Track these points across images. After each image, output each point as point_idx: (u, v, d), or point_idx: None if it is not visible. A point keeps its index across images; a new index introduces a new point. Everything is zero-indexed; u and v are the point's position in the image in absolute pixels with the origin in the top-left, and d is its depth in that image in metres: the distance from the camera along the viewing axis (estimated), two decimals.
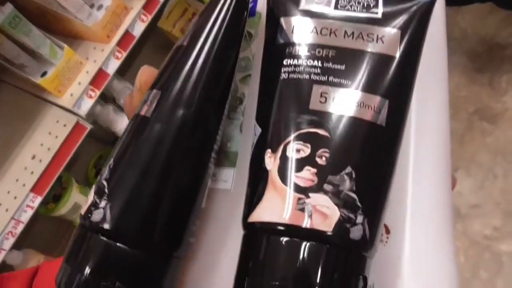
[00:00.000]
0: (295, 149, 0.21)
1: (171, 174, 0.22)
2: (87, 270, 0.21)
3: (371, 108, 0.22)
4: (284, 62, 0.23)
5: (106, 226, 0.21)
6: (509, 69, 1.48)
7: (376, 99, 0.22)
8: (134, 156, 0.22)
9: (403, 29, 0.23)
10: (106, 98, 1.12)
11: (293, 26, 0.24)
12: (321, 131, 0.21)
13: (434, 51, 0.26)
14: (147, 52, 1.20)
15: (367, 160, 0.21)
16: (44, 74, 0.89)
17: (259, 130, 0.23)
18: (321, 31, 0.23)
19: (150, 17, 0.99)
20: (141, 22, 0.98)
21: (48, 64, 0.89)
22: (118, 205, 0.21)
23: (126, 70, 1.17)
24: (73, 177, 1.06)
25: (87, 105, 0.92)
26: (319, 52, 0.23)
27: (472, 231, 1.28)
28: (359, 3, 0.24)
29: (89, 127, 0.93)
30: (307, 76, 0.22)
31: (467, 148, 1.39)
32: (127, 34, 0.96)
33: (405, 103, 0.23)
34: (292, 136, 0.21)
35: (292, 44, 0.23)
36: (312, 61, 0.23)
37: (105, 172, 0.22)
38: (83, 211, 0.22)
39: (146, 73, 0.25)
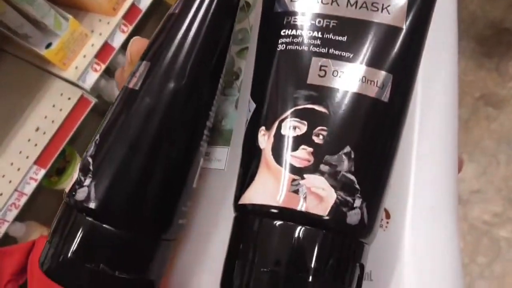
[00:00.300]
0: (291, 126, 0.20)
1: (161, 151, 0.21)
2: (71, 251, 0.20)
3: (374, 84, 0.20)
4: (282, 33, 0.21)
5: (91, 205, 0.20)
6: None
7: (380, 74, 0.20)
8: (121, 132, 0.20)
9: None
10: (111, 72, 1.10)
11: None
12: (319, 108, 0.20)
13: (444, 24, 0.24)
14: (153, 26, 1.18)
15: (368, 140, 0.20)
16: (48, 45, 0.88)
17: (253, 105, 0.22)
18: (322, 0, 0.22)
19: None
20: None
21: (52, 35, 0.88)
22: (103, 184, 0.20)
23: None
24: (77, 151, 1.05)
25: (92, 78, 0.91)
26: (319, 22, 0.21)
27: (472, 216, 1.29)
28: None
29: (93, 101, 0.92)
30: (306, 48, 0.21)
31: (471, 133, 1.39)
32: (133, 7, 0.94)
33: (411, 79, 0.22)
34: (288, 112, 0.20)
35: (291, 13, 0.22)
36: (311, 32, 0.21)
37: (91, 148, 0.21)
38: (67, 188, 0.21)
39: (137, 44, 0.24)
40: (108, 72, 1.07)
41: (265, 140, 0.20)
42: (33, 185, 0.86)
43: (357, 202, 0.19)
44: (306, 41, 0.21)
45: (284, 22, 0.22)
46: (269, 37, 0.22)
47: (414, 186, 0.23)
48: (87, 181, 0.20)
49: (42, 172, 0.87)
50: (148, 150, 0.20)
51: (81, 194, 0.20)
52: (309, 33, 0.21)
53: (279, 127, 0.20)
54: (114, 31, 0.92)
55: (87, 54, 0.90)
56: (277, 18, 0.22)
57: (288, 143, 0.20)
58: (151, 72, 0.21)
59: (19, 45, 0.88)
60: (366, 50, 0.21)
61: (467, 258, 1.26)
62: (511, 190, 1.30)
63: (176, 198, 0.21)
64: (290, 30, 0.21)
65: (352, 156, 0.19)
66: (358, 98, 0.20)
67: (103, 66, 0.92)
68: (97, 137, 0.21)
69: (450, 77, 0.25)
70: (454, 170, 0.24)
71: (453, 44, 0.25)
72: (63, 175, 1.01)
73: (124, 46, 0.98)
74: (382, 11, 0.21)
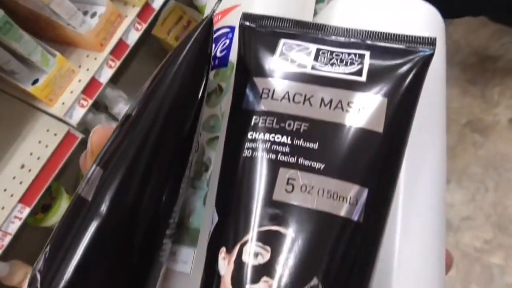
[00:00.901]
0: (252, 252, 0.17)
1: (114, 267, 0.19)
2: None
3: (347, 201, 0.18)
4: (248, 135, 0.19)
5: None
6: (501, 81, 1.49)
7: (354, 189, 0.18)
8: (72, 246, 0.18)
9: (390, 96, 0.19)
10: (98, 105, 1.10)
11: (262, 89, 0.20)
12: (284, 230, 0.17)
13: (432, 103, 0.22)
14: (140, 60, 1.19)
15: (339, 268, 0.17)
16: (35, 81, 0.87)
17: (216, 218, 0.19)
18: (294, 97, 0.19)
19: (144, 26, 0.98)
20: (136, 31, 0.97)
21: (39, 72, 0.88)
22: None
23: (119, 78, 1.15)
24: (63, 186, 1.04)
25: (78, 114, 0.90)
26: (289, 125, 0.19)
27: (463, 243, 1.28)
28: (341, 60, 0.20)
29: (80, 136, 0.91)
30: (273, 156, 0.18)
31: (459, 160, 1.40)
32: (121, 43, 0.94)
33: (389, 192, 0.19)
34: (250, 234, 0.18)
35: (258, 113, 0.19)
36: (280, 137, 0.19)
37: (40, 261, 0.19)
38: None
39: (99, 135, 0.22)
40: (96, 106, 1.06)
41: (225, 265, 0.18)
42: (17, 224, 0.84)
43: None
44: (274, 147, 0.19)
45: (252, 123, 0.19)
46: (235, 139, 0.20)
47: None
48: None
49: (27, 210, 0.85)
50: (100, 268, 0.19)
51: None
52: (278, 138, 0.19)
53: (240, 252, 0.18)
54: (101, 67, 0.93)
55: (74, 90, 0.90)
56: (244, 117, 0.20)
57: (248, 273, 0.17)
58: (103, 183, 0.19)
59: (6, 81, 0.88)
60: (339, 160, 0.18)
61: (460, 286, 1.25)
62: (500, 216, 1.30)
63: None
64: (257, 134, 0.19)
65: None
66: (328, 218, 0.17)
67: (90, 102, 0.92)
68: (47, 249, 0.19)
69: (438, 156, 0.23)
70: (442, 273, 0.22)
71: (441, 135, 0.24)
72: (49, 212, 0.99)
73: (112, 80, 0.98)
74: (358, 112, 0.19)
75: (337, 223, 0.17)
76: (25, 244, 1.03)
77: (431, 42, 0.20)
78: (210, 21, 0.21)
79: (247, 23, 0.21)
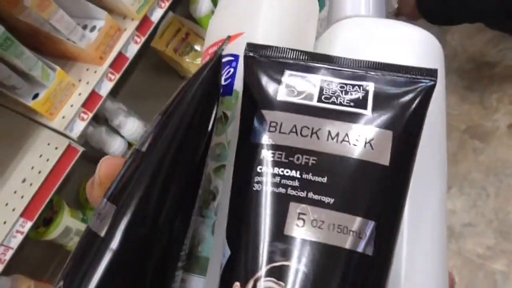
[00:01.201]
0: (266, 287, 0.17)
1: None
2: None
3: (356, 234, 0.18)
4: (257, 169, 0.19)
5: None
6: (499, 87, 1.49)
7: (363, 222, 0.18)
8: (85, 281, 0.19)
9: (395, 128, 0.19)
10: (99, 118, 1.11)
11: (270, 122, 0.20)
12: (297, 265, 0.17)
13: (432, 150, 0.23)
14: (140, 72, 1.20)
15: None
16: (36, 96, 0.88)
17: (228, 252, 0.19)
18: (301, 130, 0.19)
19: (143, 38, 0.99)
20: (135, 44, 0.98)
21: (40, 86, 0.88)
22: None
23: (119, 91, 1.16)
24: (64, 199, 1.04)
25: (79, 127, 0.91)
26: (298, 159, 0.19)
27: (465, 250, 1.28)
28: (346, 94, 0.20)
29: (81, 149, 0.91)
30: (283, 190, 0.19)
31: (460, 166, 1.40)
32: (120, 56, 0.95)
33: (396, 223, 0.19)
34: (264, 270, 0.18)
35: (267, 147, 0.19)
36: (289, 171, 0.19)
37: None
38: None
39: (107, 166, 0.22)
40: (96, 118, 1.07)
41: None
42: (19, 238, 0.85)
43: None
44: (283, 181, 0.19)
45: (261, 156, 0.19)
46: (244, 172, 0.20)
47: None
48: None
49: (29, 224, 0.86)
50: None
51: None
52: (287, 172, 0.19)
53: (254, 287, 0.18)
54: (101, 80, 0.93)
55: (74, 103, 0.91)
56: (252, 150, 0.20)
57: None
58: (117, 220, 0.19)
59: (7, 97, 0.89)
60: (348, 194, 0.18)
61: None
62: (502, 222, 1.30)
63: None
64: (266, 167, 0.19)
65: None
66: (340, 253, 0.18)
67: (90, 115, 0.92)
68: (60, 284, 0.19)
69: (440, 185, 0.23)
70: None
71: (442, 168, 0.24)
72: (50, 225, 0.99)
73: (112, 93, 0.99)
74: (365, 146, 0.19)
75: (348, 256, 0.18)
76: (27, 258, 1.03)
77: (433, 74, 0.20)
78: (219, 57, 0.22)
79: (252, 54, 0.21)
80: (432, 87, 0.20)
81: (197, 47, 1.26)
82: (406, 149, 0.19)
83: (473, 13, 1.15)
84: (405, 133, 0.19)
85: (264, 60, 0.21)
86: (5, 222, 0.84)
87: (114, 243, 0.19)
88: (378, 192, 0.19)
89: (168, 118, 0.21)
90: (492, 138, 1.43)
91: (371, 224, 0.18)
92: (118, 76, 0.96)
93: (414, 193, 0.20)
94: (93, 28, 0.93)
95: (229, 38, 0.22)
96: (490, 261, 1.25)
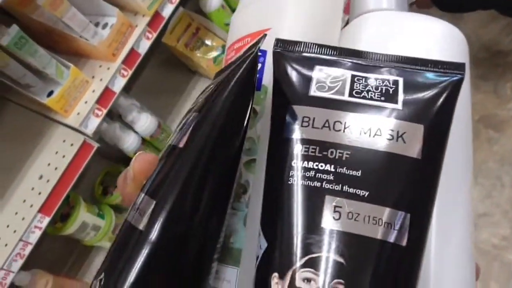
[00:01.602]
0: (305, 278, 0.18)
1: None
2: None
3: (392, 227, 0.18)
4: (292, 163, 0.20)
5: None
6: None
7: (398, 215, 0.19)
8: (125, 272, 0.19)
9: (425, 122, 0.20)
10: (112, 114, 1.12)
11: (302, 118, 0.20)
12: (335, 256, 0.18)
13: (458, 138, 0.23)
14: (152, 68, 1.21)
15: None
16: (50, 93, 0.89)
17: (264, 243, 0.20)
18: (334, 125, 0.20)
19: (155, 34, 0.99)
20: (146, 40, 0.98)
21: (54, 84, 0.89)
22: None
23: (132, 86, 1.17)
24: (80, 195, 1.06)
25: (93, 123, 0.92)
26: (331, 153, 0.19)
27: (480, 240, 1.27)
28: (376, 88, 0.20)
29: (96, 145, 0.93)
30: (318, 184, 0.19)
31: (474, 156, 1.39)
32: (132, 52, 0.96)
33: (429, 214, 0.20)
34: (302, 260, 0.18)
35: (301, 141, 0.20)
36: (324, 165, 0.19)
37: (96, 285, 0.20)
38: None
39: (140, 162, 0.23)
40: (110, 115, 1.08)
41: None
42: (37, 233, 0.86)
43: None
44: (318, 175, 0.19)
45: (294, 151, 0.20)
46: (278, 166, 0.20)
47: None
48: None
49: (47, 220, 0.87)
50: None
51: None
52: (322, 166, 0.19)
53: (293, 278, 0.18)
54: (114, 76, 0.94)
55: (89, 100, 0.92)
56: (286, 145, 0.20)
57: None
58: (155, 214, 0.20)
59: (22, 95, 0.90)
60: (382, 187, 0.19)
61: (479, 284, 1.24)
62: None
63: None
64: (300, 162, 0.20)
65: None
66: (376, 245, 0.18)
67: (104, 111, 0.93)
68: (101, 276, 0.20)
69: (467, 175, 0.24)
70: None
71: (468, 164, 0.24)
72: (67, 221, 1.01)
73: (125, 89, 1.00)
74: (397, 140, 0.19)
75: (383, 248, 0.18)
76: (46, 253, 1.05)
77: (460, 68, 0.20)
78: (255, 56, 0.22)
79: (281, 49, 0.22)
80: (460, 81, 0.20)
81: (208, 42, 1.26)
82: (436, 142, 0.20)
83: None
84: (435, 126, 0.20)
85: (293, 55, 0.22)
86: (23, 218, 0.85)
87: (153, 236, 0.20)
88: (409, 184, 0.19)
89: (205, 115, 0.21)
90: (507, 128, 1.41)
91: (406, 216, 0.19)
92: (130, 72, 0.97)
93: (444, 185, 0.20)
94: (105, 25, 0.94)
95: (265, 36, 0.22)
96: (505, 251, 1.24)
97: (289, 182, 0.20)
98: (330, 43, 0.24)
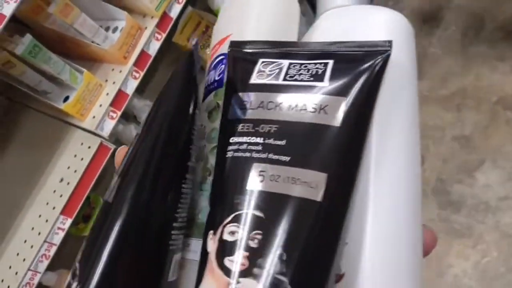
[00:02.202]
0: (230, 231, 0.21)
1: (135, 253, 0.23)
2: None
3: (309, 184, 0.21)
4: (231, 140, 0.23)
5: None
6: None
7: (314, 175, 0.21)
8: (102, 241, 0.23)
9: (348, 94, 0.22)
10: (127, 116, 1.14)
11: (243, 102, 0.24)
12: (255, 212, 0.21)
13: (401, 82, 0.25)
14: (163, 68, 1.22)
15: (303, 241, 0.20)
16: (66, 98, 0.92)
17: (208, 209, 0.24)
18: (267, 105, 0.23)
19: (164, 35, 1.01)
20: (156, 41, 1.00)
21: (69, 89, 0.92)
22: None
23: (144, 88, 1.19)
24: (100, 195, 1.09)
25: (109, 126, 0.94)
26: (262, 128, 0.23)
27: (503, 223, 1.26)
28: (308, 71, 0.23)
29: (112, 147, 0.95)
30: (248, 154, 0.22)
31: (493, 139, 1.37)
32: (143, 54, 0.98)
33: (349, 178, 0.22)
34: (230, 217, 0.21)
35: (240, 121, 0.23)
36: (254, 138, 0.22)
37: (79, 254, 0.24)
38: None
39: (121, 154, 0.26)
40: (125, 117, 1.10)
41: (211, 244, 0.22)
42: (61, 235, 0.89)
43: None
44: (249, 147, 0.22)
45: (234, 129, 0.23)
46: (222, 144, 0.24)
47: (371, 240, 0.22)
48: (74, 285, 0.22)
49: (69, 221, 0.90)
50: (125, 256, 0.23)
51: None
52: (252, 139, 0.22)
53: (222, 232, 0.21)
54: (126, 79, 0.96)
55: (103, 103, 0.94)
56: (229, 125, 0.24)
57: (227, 248, 0.21)
58: (120, 186, 0.24)
59: (40, 101, 0.93)
60: (301, 152, 0.21)
61: (504, 267, 1.22)
62: None
63: None
64: (237, 138, 0.23)
65: (284, 258, 0.20)
66: (292, 200, 0.21)
67: (119, 113, 0.95)
68: (84, 244, 0.24)
69: (408, 134, 0.25)
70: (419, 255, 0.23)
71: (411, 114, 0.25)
72: (89, 221, 1.04)
73: (138, 91, 1.02)
74: (319, 112, 0.22)
75: (299, 203, 0.21)
76: (70, 253, 1.09)
77: (388, 45, 0.22)
78: (191, 53, 0.26)
79: (233, 49, 0.26)
80: (387, 57, 0.22)
81: None
82: (360, 112, 0.22)
83: None
84: (358, 98, 0.22)
85: (242, 53, 0.25)
86: (47, 221, 0.88)
87: (121, 207, 0.23)
88: (328, 148, 0.22)
89: (156, 110, 0.25)
90: None
91: (323, 176, 0.21)
92: (142, 74, 0.98)
93: (379, 143, 0.23)
94: (115, 29, 0.96)
95: (196, 47, 0.26)
96: None
97: (226, 156, 0.23)
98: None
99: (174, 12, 1.02)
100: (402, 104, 0.25)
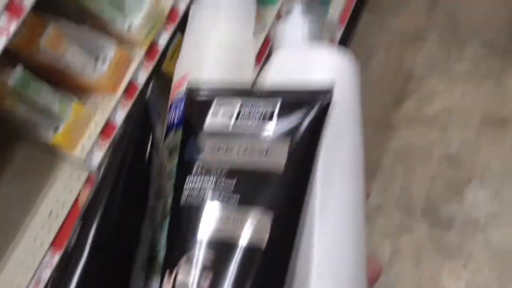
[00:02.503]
0: (183, 272, 0.22)
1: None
2: None
3: (254, 229, 0.22)
4: (187, 179, 0.24)
5: None
6: None
7: (259, 219, 0.22)
8: (67, 277, 0.23)
9: (292, 141, 0.23)
10: None
11: (197, 145, 0.25)
12: (205, 259, 0.22)
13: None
14: None
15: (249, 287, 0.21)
16: (56, 129, 0.92)
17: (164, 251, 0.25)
18: (218, 149, 0.24)
19: (153, 63, 1.02)
20: (145, 69, 1.00)
21: (59, 120, 0.92)
22: None
23: None
24: None
25: (98, 156, 0.94)
26: (215, 169, 0.24)
27: (493, 240, 1.27)
28: (257, 112, 0.25)
29: None
30: (202, 196, 0.23)
31: (479, 157, 1.38)
32: (131, 83, 0.98)
33: (293, 222, 0.23)
34: (183, 259, 0.22)
35: (194, 163, 0.24)
36: (208, 178, 0.23)
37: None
38: None
39: (84, 197, 0.27)
40: None
41: (166, 285, 0.22)
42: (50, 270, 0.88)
43: None
44: (202, 187, 0.23)
45: (189, 171, 0.24)
46: (179, 185, 0.25)
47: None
48: None
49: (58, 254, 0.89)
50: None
51: None
52: (206, 179, 0.23)
53: (176, 273, 0.22)
54: (116, 108, 0.96)
55: (92, 133, 0.94)
56: (185, 167, 0.25)
57: None
58: (81, 230, 0.24)
59: (28, 132, 0.92)
60: (250, 195, 0.22)
61: (496, 285, 1.22)
62: None
63: None
64: (192, 178, 0.24)
65: None
66: (238, 249, 0.21)
67: (108, 143, 0.95)
68: (50, 281, 0.24)
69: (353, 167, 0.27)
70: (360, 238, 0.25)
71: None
72: None
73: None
74: (265, 155, 0.23)
75: (245, 253, 0.21)
76: None
77: (330, 89, 0.24)
78: (145, 104, 0.28)
79: (189, 92, 0.27)
80: (329, 100, 0.24)
81: None
82: (303, 156, 0.24)
83: None
84: (301, 142, 0.23)
85: (198, 98, 0.27)
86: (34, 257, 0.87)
87: (83, 248, 0.23)
88: (274, 192, 0.23)
89: (113, 157, 0.27)
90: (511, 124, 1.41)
91: (267, 220, 0.22)
92: (131, 102, 0.99)
93: (324, 186, 0.25)
94: (104, 59, 0.97)
95: (153, 85, 0.28)
96: None
97: (180, 198, 0.24)
98: (244, 81, 0.30)
99: (163, 40, 1.04)
100: (345, 145, 0.27)
